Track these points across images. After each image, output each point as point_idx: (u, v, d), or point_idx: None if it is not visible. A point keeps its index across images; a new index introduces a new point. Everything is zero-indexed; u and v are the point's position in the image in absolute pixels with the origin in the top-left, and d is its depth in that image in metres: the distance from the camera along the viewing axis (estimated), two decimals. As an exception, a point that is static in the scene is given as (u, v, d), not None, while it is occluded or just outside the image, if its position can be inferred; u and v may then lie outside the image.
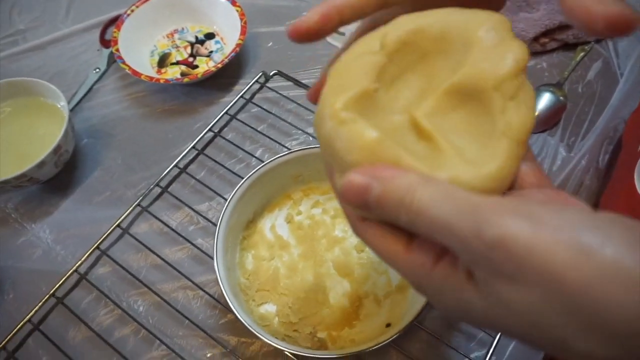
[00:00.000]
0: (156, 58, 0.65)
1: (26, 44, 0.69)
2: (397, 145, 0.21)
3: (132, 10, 0.64)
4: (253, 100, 0.60)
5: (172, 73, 0.64)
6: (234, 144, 0.56)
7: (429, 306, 0.39)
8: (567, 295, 0.16)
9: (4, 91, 0.55)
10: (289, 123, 0.57)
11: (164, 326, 0.46)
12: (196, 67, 0.64)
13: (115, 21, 0.65)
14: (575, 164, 0.54)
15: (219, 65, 0.59)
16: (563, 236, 0.16)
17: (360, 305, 0.44)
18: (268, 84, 0.61)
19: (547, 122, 0.57)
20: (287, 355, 0.41)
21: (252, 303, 0.45)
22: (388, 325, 0.43)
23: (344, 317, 0.44)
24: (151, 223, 0.52)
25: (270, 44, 0.66)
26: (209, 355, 0.45)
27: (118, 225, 0.50)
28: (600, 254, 0.16)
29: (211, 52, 0.65)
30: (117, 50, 0.61)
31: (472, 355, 0.43)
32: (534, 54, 0.62)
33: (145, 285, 0.47)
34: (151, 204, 0.53)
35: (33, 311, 0.45)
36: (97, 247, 0.49)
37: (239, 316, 0.38)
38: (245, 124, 0.57)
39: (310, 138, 0.56)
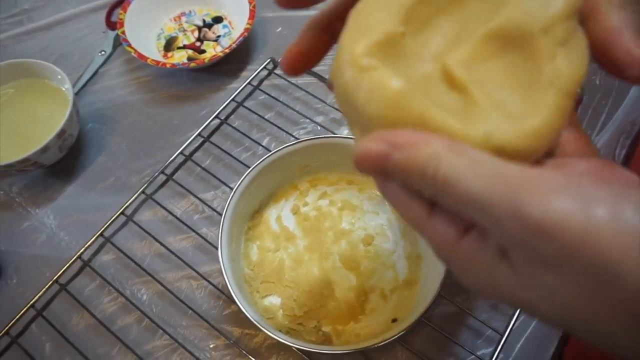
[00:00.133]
0: (163, 42, 0.64)
1: (31, 24, 0.68)
2: (425, 97, 0.18)
3: (139, -8, 0.63)
4: (261, 87, 0.59)
5: (179, 57, 0.62)
6: (241, 132, 0.55)
7: (437, 302, 0.38)
8: (627, 293, 0.14)
9: (7, 72, 0.55)
10: (297, 111, 0.56)
11: (168, 316, 0.46)
12: (203, 51, 0.63)
13: (121, 2, 0.63)
14: (590, 159, 0.52)
15: (227, 51, 0.58)
16: (622, 225, 0.14)
17: (366, 300, 0.44)
18: (276, 71, 0.59)
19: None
20: (291, 348, 0.41)
21: (256, 295, 0.44)
22: (394, 320, 0.43)
23: (349, 311, 0.43)
24: (156, 211, 0.51)
25: (280, 29, 0.65)
26: (212, 345, 0.44)
27: (122, 213, 0.49)
28: None
29: (219, 36, 0.64)
30: (123, 32, 0.60)
31: (479, 353, 0.43)
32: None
33: (149, 274, 0.46)
34: (156, 191, 0.52)
35: (36, 297, 0.45)
36: (101, 234, 0.48)
37: (242, 308, 0.38)
38: (252, 111, 0.56)
39: (319, 127, 0.55)
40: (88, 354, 0.43)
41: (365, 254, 0.46)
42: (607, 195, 0.15)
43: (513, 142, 0.18)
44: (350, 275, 0.45)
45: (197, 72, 0.61)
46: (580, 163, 0.18)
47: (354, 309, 0.43)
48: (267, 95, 0.58)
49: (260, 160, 0.44)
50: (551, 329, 0.44)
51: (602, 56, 0.19)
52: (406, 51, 0.20)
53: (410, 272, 0.45)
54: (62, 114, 0.50)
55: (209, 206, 0.50)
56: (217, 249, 0.41)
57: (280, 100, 0.57)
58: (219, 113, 0.55)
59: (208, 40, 0.64)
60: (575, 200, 0.15)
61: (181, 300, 0.45)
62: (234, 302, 0.38)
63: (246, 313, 0.37)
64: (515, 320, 0.42)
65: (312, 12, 0.24)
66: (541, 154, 0.19)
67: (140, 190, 0.50)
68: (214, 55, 0.58)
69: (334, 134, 0.54)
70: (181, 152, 0.53)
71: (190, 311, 0.45)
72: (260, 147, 0.54)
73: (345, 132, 0.54)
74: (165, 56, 0.63)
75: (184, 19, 0.66)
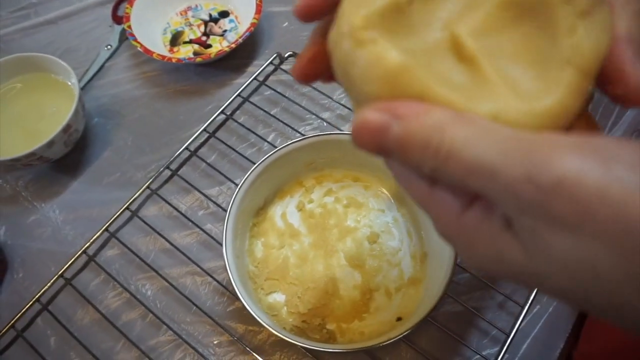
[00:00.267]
0: (169, 36, 0.64)
1: (38, 18, 0.68)
2: (427, 72, 0.17)
3: (145, -14, 0.62)
4: (267, 83, 0.58)
5: (185, 52, 0.62)
6: (246, 128, 0.54)
7: (442, 301, 0.38)
8: None
9: (15, 66, 0.55)
10: (303, 107, 0.56)
11: (172, 311, 0.46)
12: (209, 46, 0.62)
13: (127, -4, 0.63)
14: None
15: (233, 46, 0.57)
16: None
17: (370, 298, 0.43)
18: (282, 66, 0.59)
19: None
20: (295, 345, 0.41)
21: (260, 292, 0.44)
22: (399, 319, 0.42)
23: (353, 310, 0.43)
24: (160, 206, 0.51)
25: (286, 24, 0.64)
26: (215, 342, 0.44)
27: (127, 208, 0.49)
28: None
29: (225, 31, 0.64)
30: (129, 27, 0.59)
31: (484, 352, 0.42)
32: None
33: (154, 270, 0.46)
34: (161, 186, 0.52)
35: (42, 291, 0.45)
36: (106, 229, 0.48)
37: (246, 305, 0.38)
38: (258, 107, 0.56)
39: (325, 124, 0.55)
40: (92, 349, 0.43)
41: (371, 252, 0.45)
42: (627, 155, 0.14)
43: (521, 123, 0.17)
44: (355, 273, 0.45)
45: (203, 67, 0.61)
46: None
47: (358, 307, 0.43)
48: (273, 91, 0.57)
49: (266, 156, 0.44)
50: (557, 329, 0.44)
51: (606, 85, 0.18)
52: (413, 19, 0.18)
53: (416, 271, 0.44)
54: (68, 108, 0.50)
55: (214, 202, 0.50)
56: (221, 245, 0.41)
57: (286, 95, 0.57)
58: (224, 108, 0.55)
59: (214, 34, 0.63)
60: (594, 158, 0.14)
61: (185, 296, 0.45)
62: (238, 298, 0.38)
63: (250, 310, 0.37)
64: (522, 320, 0.41)
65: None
66: None
67: (146, 185, 0.50)
68: (220, 50, 0.57)
69: (340, 130, 0.53)
70: (186, 148, 0.52)
71: (195, 307, 0.45)
72: (266, 143, 0.54)
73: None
74: (171, 51, 0.62)
75: (190, 13, 0.66)
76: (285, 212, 0.48)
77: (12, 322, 0.44)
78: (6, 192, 0.54)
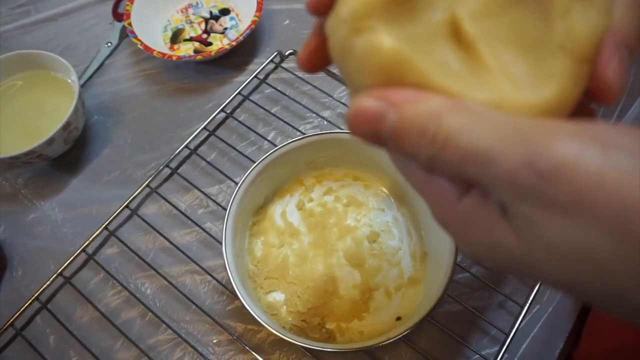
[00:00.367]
0: (169, 34, 0.63)
1: (38, 14, 0.68)
2: (425, 59, 0.17)
3: (145, -17, 0.62)
4: (267, 81, 0.58)
5: (185, 50, 0.62)
6: (246, 126, 0.54)
7: (442, 301, 0.37)
8: None
9: (15, 63, 0.54)
10: (304, 106, 0.55)
11: (171, 310, 0.46)
12: (210, 44, 0.62)
13: (128, -6, 0.63)
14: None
15: (234, 43, 0.57)
16: None
17: (370, 297, 0.43)
18: (283, 64, 0.59)
19: (574, 113, 0.54)
20: (294, 344, 0.40)
21: (260, 290, 0.44)
22: (398, 318, 0.42)
23: (353, 309, 0.43)
24: (160, 205, 0.51)
25: (287, 22, 0.64)
26: (215, 341, 0.44)
27: (127, 206, 0.49)
28: None
29: (226, 28, 0.63)
30: (130, 24, 0.59)
31: (484, 352, 0.42)
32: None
33: (153, 268, 0.46)
34: (160, 185, 0.52)
35: (41, 289, 0.45)
36: (106, 228, 0.48)
37: (246, 304, 0.37)
38: (259, 105, 0.56)
39: (325, 122, 0.55)
40: (91, 347, 0.43)
41: (370, 251, 0.45)
42: (627, 141, 0.14)
43: (520, 113, 0.16)
44: (355, 273, 0.44)
45: (204, 65, 0.61)
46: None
47: (358, 307, 0.43)
48: (273, 89, 0.57)
49: (266, 155, 0.44)
50: (557, 329, 0.44)
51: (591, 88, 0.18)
52: (415, 9, 0.18)
53: (416, 270, 0.44)
54: (68, 106, 0.50)
55: (214, 201, 0.50)
56: (221, 244, 0.40)
57: (287, 94, 0.57)
58: (224, 106, 0.54)
59: (215, 32, 0.63)
60: (594, 144, 0.14)
61: (185, 295, 0.45)
62: (237, 297, 0.38)
63: (249, 309, 0.37)
64: (522, 320, 0.41)
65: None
66: None
67: (145, 183, 0.50)
68: (221, 48, 0.57)
69: (341, 129, 0.53)
70: (186, 146, 0.52)
71: (194, 306, 0.45)
72: (266, 142, 0.54)
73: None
74: (171, 48, 0.62)
75: (190, 10, 0.65)
76: (285, 211, 0.48)
77: (11, 320, 0.44)
78: (5, 189, 0.54)
